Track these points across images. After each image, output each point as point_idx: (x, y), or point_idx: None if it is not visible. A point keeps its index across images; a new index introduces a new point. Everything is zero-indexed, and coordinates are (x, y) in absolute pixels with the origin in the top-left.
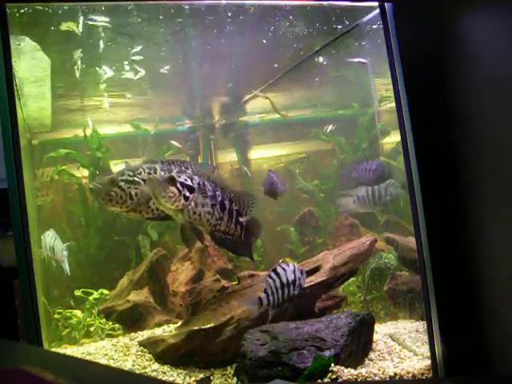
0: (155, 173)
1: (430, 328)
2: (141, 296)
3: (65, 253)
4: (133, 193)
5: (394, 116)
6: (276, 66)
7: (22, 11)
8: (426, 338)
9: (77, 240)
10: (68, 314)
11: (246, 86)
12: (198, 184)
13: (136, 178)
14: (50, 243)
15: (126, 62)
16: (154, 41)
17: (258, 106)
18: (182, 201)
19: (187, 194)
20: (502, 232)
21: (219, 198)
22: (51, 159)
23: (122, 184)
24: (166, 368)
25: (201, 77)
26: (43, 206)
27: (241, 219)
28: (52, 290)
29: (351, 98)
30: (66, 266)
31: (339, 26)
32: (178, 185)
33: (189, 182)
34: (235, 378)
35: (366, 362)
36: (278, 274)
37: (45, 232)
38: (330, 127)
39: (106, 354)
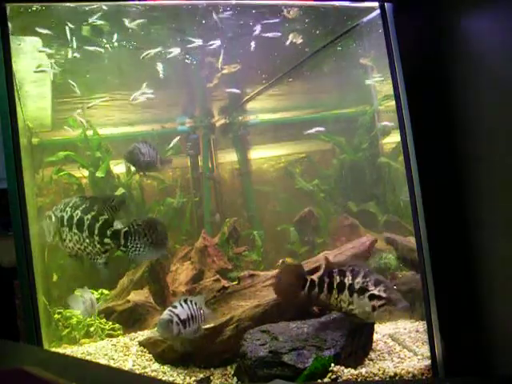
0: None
1: (430, 328)
2: (141, 296)
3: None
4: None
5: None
6: (276, 65)
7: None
8: (426, 337)
9: None
10: (68, 314)
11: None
12: None
13: None
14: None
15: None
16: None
17: (258, 106)
18: None
19: None
20: (502, 231)
21: None
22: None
23: None
24: (166, 368)
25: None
26: (43, 206)
27: None
28: (52, 290)
29: (351, 97)
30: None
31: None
32: None
33: None
34: (235, 378)
35: (366, 362)
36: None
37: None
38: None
39: (106, 354)
